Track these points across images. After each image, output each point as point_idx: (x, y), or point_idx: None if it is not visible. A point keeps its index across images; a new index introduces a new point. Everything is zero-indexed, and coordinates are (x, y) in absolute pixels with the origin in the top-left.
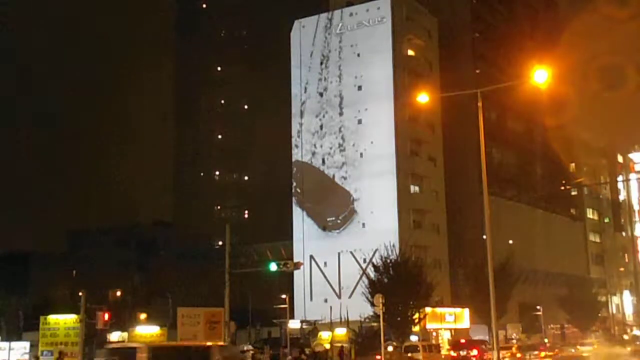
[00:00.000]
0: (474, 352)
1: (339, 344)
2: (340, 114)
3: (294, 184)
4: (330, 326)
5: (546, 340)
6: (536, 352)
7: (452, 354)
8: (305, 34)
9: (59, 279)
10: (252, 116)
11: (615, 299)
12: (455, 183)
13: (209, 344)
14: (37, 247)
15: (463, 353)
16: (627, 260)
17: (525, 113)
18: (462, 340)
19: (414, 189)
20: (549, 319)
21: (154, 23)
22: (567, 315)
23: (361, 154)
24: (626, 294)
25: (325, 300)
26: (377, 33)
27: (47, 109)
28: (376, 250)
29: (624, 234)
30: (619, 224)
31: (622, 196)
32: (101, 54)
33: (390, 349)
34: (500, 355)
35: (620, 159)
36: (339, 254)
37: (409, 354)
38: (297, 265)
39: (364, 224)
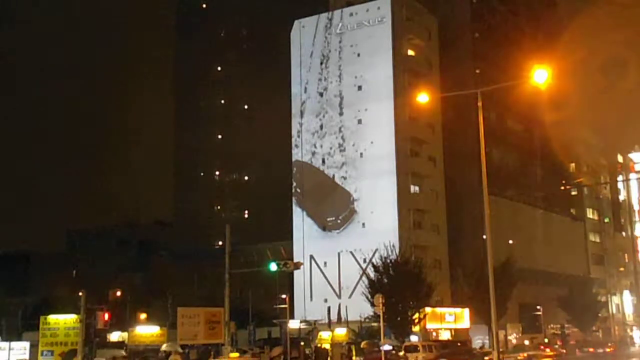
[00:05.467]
0: None
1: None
2: (340, 114)
3: (294, 184)
4: (330, 326)
5: None
6: None
7: None
8: (305, 34)
9: (59, 279)
10: (252, 116)
11: (615, 299)
12: (455, 183)
13: None
14: (37, 247)
15: None
16: (627, 260)
17: (525, 113)
18: None
19: (414, 189)
20: (549, 319)
21: (154, 23)
22: (567, 315)
23: (361, 154)
24: (626, 294)
25: (325, 300)
26: (377, 33)
27: (47, 110)
28: (376, 250)
29: (624, 234)
30: (619, 224)
31: (622, 196)
32: (101, 54)
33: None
34: None
35: (620, 159)
36: (339, 254)
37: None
38: (297, 265)
39: (364, 224)
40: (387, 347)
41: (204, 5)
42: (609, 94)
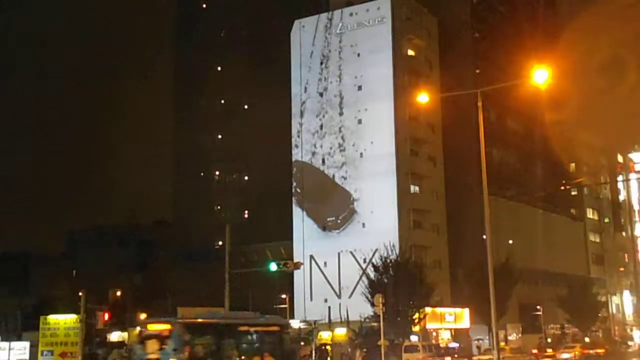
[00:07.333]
0: None
1: None
2: (340, 114)
3: (294, 184)
4: (330, 326)
5: None
6: None
7: None
8: (305, 34)
9: (59, 279)
10: (252, 116)
11: (615, 299)
12: (455, 183)
13: None
14: (36, 247)
15: None
16: (627, 260)
17: (525, 113)
18: None
19: (414, 189)
20: (549, 319)
21: (154, 23)
22: (567, 315)
23: (361, 154)
24: (626, 294)
25: (325, 300)
26: (377, 33)
27: (47, 109)
28: (376, 250)
29: (624, 234)
30: (619, 224)
31: (622, 196)
32: (101, 54)
33: None
34: None
35: (620, 159)
36: (339, 254)
37: None
38: (297, 265)
39: (364, 224)
40: (453, 344)
41: (204, 5)
42: (608, 94)
